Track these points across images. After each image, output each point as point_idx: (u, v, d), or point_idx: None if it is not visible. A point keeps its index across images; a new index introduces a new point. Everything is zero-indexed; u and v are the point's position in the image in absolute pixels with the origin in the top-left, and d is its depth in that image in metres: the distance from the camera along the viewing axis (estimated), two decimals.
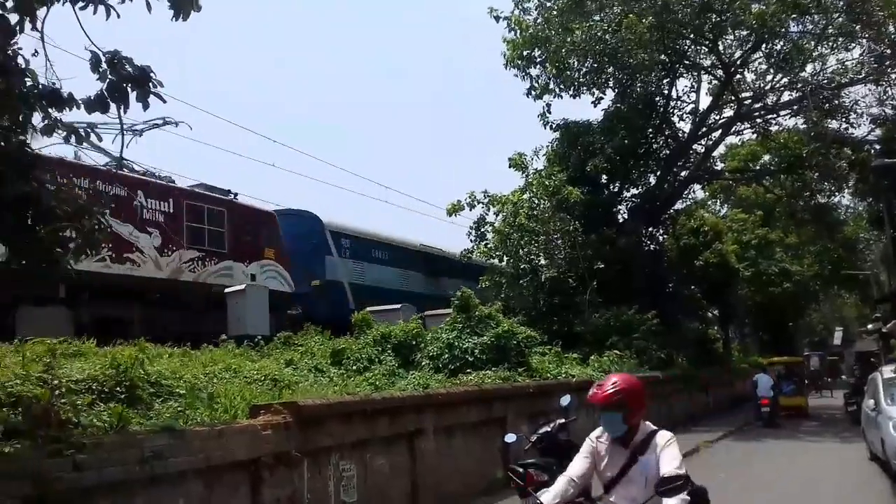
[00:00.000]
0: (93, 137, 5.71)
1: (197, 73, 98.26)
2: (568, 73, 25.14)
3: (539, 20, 25.10)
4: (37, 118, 5.46)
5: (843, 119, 27.44)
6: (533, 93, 25.81)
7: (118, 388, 6.68)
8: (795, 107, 27.49)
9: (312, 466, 7.64)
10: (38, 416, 5.28)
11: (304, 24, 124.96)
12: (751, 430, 21.53)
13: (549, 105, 26.01)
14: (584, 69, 25.55)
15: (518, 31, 24.82)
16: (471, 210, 23.69)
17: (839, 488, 11.81)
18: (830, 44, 26.41)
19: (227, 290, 16.13)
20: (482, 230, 23.99)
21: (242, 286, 16.24)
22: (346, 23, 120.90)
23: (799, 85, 27.08)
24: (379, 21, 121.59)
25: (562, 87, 25.59)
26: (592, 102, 26.30)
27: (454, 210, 23.55)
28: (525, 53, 25.08)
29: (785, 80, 27.39)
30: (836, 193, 32.68)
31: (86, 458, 5.23)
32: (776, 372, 27.00)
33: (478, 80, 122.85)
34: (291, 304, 19.50)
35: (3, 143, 5.27)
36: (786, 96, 28.08)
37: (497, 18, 24.86)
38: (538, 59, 25.30)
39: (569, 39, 23.75)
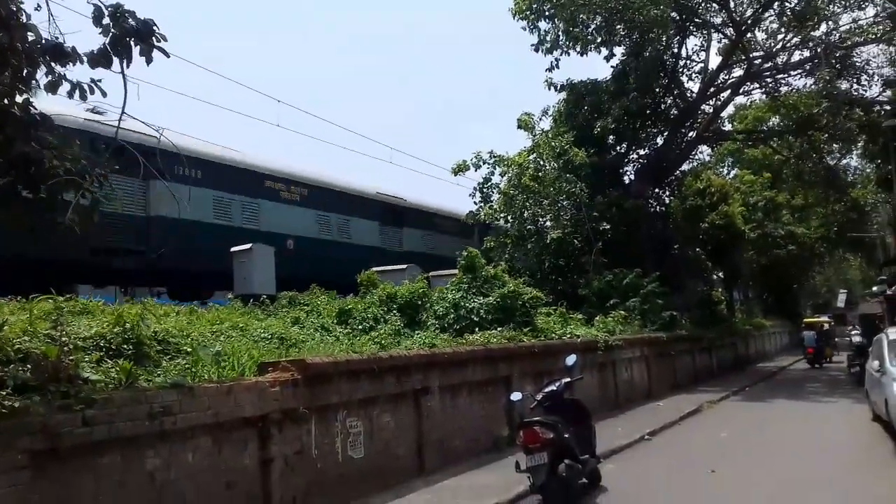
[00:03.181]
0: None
1: (199, 29, 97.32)
2: (577, 28, 24.65)
3: None
4: (40, 74, 5.39)
5: (855, 80, 27.10)
6: (542, 48, 25.25)
7: (125, 346, 6.71)
8: (807, 66, 27.12)
9: (320, 423, 7.72)
10: (47, 372, 5.30)
11: None
12: (753, 391, 21.64)
13: (557, 60, 25.49)
14: (594, 25, 25.04)
15: None
16: (476, 170, 23.57)
17: (842, 448, 11.87)
18: (844, 2, 25.94)
19: (233, 249, 16.03)
20: (486, 191, 23.84)
21: (249, 245, 16.13)
22: None
23: (811, 44, 26.68)
24: None
25: (570, 43, 25.09)
26: (605, 58, 25.91)
27: (459, 170, 23.38)
28: (535, 6, 24.47)
29: (796, 39, 27.00)
30: (845, 155, 32.34)
31: (95, 413, 5.30)
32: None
33: (486, 44, 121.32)
34: None
35: (6, 102, 5.18)
36: (796, 56, 27.77)
37: None
38: (548, 13, 24.68)
39: None
